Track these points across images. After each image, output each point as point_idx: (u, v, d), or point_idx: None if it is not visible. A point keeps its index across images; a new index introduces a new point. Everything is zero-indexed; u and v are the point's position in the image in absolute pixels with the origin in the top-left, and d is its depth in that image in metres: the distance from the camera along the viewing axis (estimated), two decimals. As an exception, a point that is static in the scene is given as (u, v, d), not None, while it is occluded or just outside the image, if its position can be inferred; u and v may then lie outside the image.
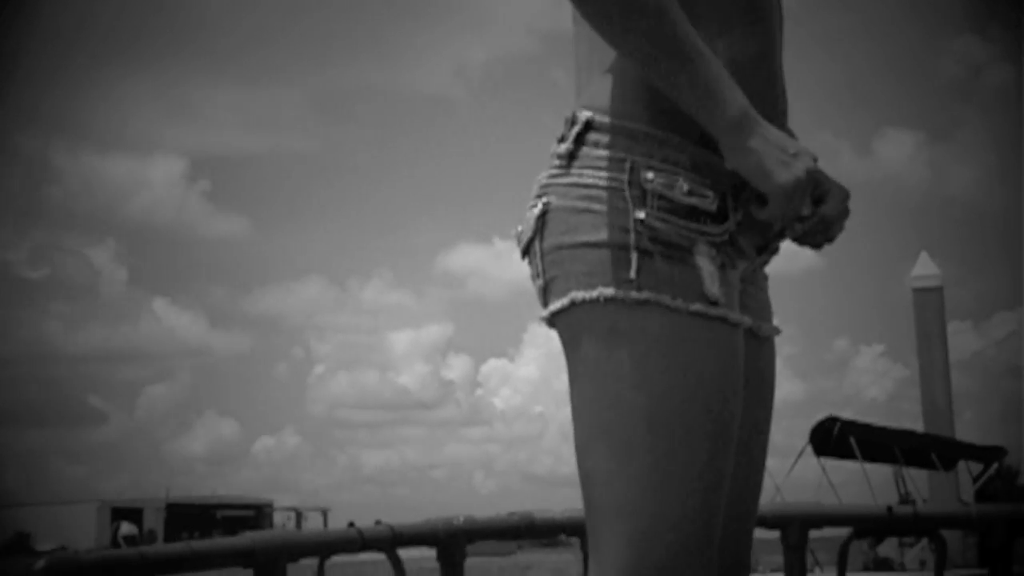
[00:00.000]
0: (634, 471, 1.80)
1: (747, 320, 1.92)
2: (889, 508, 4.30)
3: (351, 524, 4.07)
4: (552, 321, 1.92)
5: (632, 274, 1.82)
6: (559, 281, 1.88)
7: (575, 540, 4.06)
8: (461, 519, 4.09)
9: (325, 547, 3.94)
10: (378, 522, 4.04)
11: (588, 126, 1.90)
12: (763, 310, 2.08)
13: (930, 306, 24.70)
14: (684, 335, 1.82)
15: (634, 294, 1.81)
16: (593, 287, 1.83)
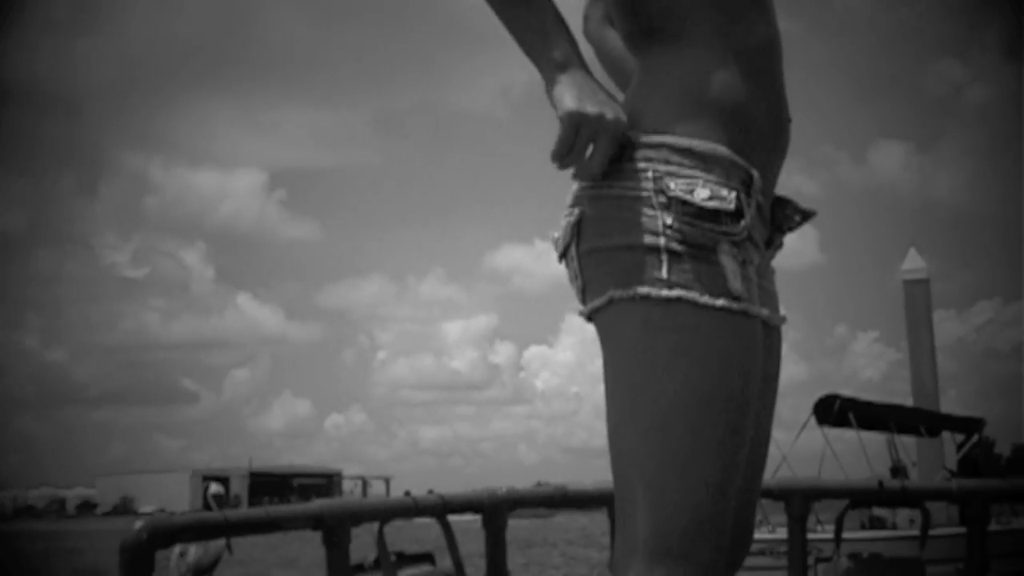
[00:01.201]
0: (662, 450, 1.79)
1: (765, 312, 1.89)
2: (880, 483, 4.31)
3: (407, 493, 4.07)
4: (590, 317, 1.90)
5: (664, 274, 1.79)
6: (596, 281, 1.86)
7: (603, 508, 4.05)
8: (504, 490, 4.10)
9: (384, 513, 3.92)
10: (431, 492, 4.02)
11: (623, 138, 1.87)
12: (772, 300, 2.04)
13: (918, 296, 24.64)
14: (711, 328, 1.79)
15: (666, 292, 1.78)
16: (629, 286, 1.80)
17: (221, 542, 13.45)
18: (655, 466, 1.79)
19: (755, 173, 1.89)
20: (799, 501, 4.18)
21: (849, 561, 4.41)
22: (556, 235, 1.95)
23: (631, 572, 1.82)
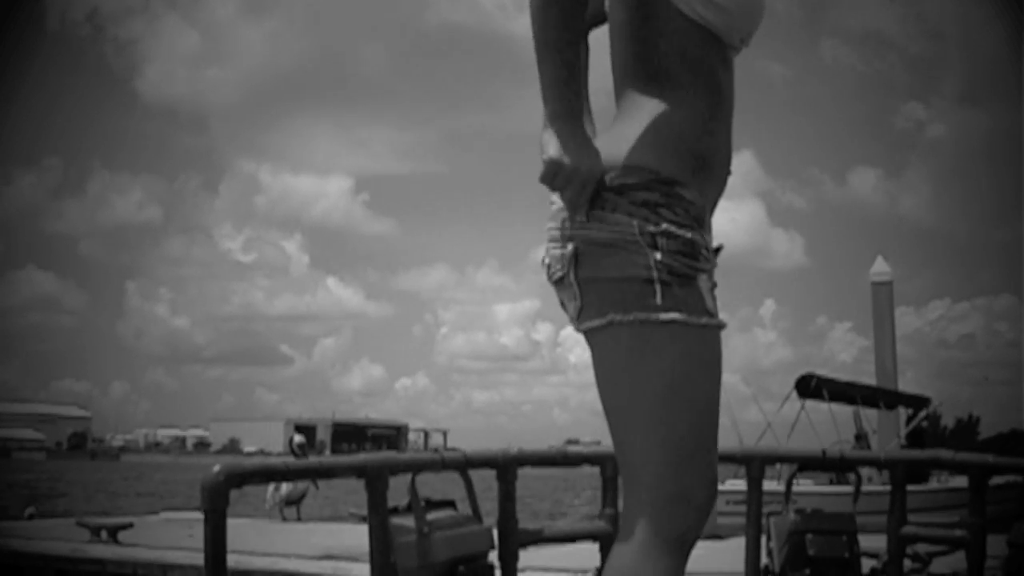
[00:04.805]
0: (664, 427, 1.83)
1: (725, 323, 1.90)
2: (823, 451, 4.27)
3: (435, 450, 4.02)
4: (585, 333, 1.90)
5: (658, 300, 1.80)
6: (595, 304, 1.85)
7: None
8: (515, 449, 4.07)
9: (416, 466, 3.88)
10: (454, 449, 4.00)
11: (601, 186, 1.85)
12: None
13: (883, 295, 24.38)
14: (696, 341, 1.84)
15: (662, 316, 1.80)
16: (628, 312, 1.81)
17: (308, 479, 13.49)
18: (660, 437, 1.83)
19: (707, 211, 1.92)
20: (757, 465, 4.13)
21: (796, 515, 4.35)
22: (546, 260, 1.92)
23: (643, 520, 1.85)
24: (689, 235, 1.84)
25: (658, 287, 1.80)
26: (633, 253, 1.81)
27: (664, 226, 1.82)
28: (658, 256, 1.80)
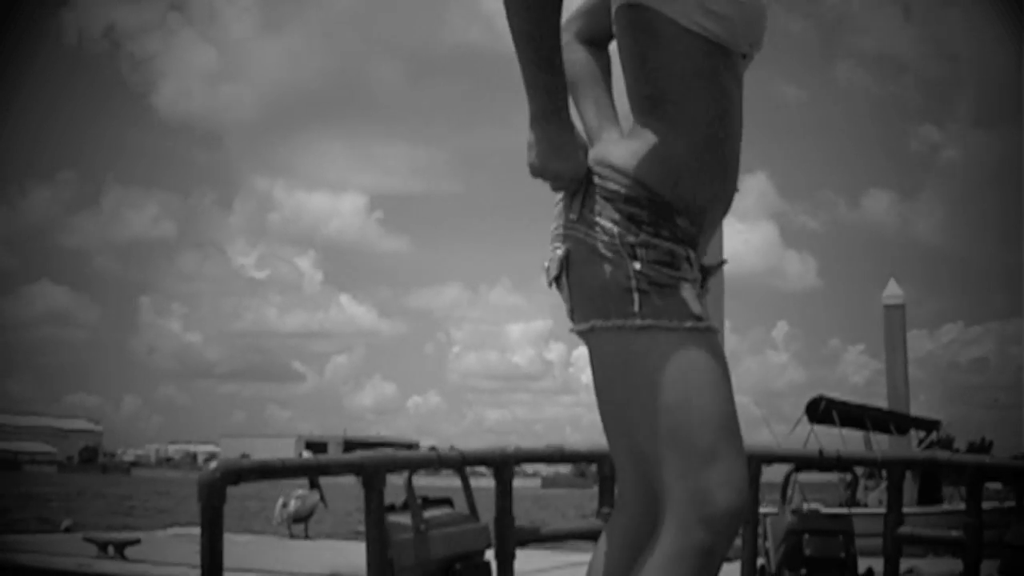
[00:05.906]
0: (657, 428, 1.81)
1: (716, 326, 1.89)
2: (820, 451, 4.24)
3: (432, 448, 4.00)
4: (577, 335, 1.93)
5: (636, 308, 1.81)
6: (581, 308, 1.88)
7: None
8: (512, 447, 4.06)
9: (413, 464, 3.87)
10: (451, 448, 3.98)
11: (589, 190, 1.88)
12: None
13: (896, 318, 24.37)
14: (683, 346, 1.81)
15: (638, 322, 1.81)
16: (608, 317, 1.83)
17: (316, 496, 13.42)
18: (665, 442, 1.80)
19: (700, 235, 1.91)
20: (754, 465, 4.09)
21: (792, 515, 4.32)
22: (547, 264, 1.94)
23: (665, 527, 1.80)
24: (668, 245, 1.84)
25: (636, 296, 1.81)
26: (613, 262, 1.83)
27: (642, 237, 1.83)
28: (637, 266, 1.82)
